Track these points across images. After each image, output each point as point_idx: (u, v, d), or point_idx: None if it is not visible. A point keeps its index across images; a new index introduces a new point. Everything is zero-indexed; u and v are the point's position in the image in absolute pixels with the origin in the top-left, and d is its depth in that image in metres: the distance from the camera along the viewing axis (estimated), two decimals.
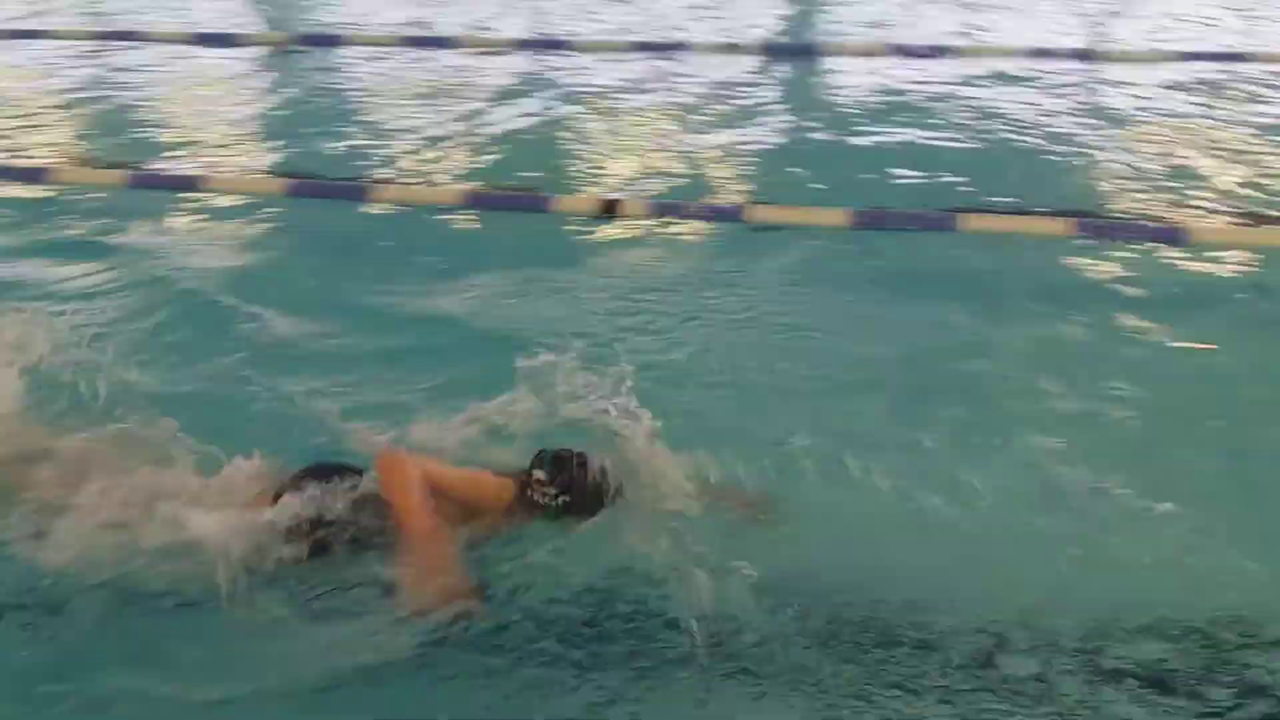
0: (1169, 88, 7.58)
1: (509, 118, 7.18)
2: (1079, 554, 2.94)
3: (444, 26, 9.36)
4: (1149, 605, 2.78)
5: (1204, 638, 2.70)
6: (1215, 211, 5.60)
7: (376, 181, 6.04)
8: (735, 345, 4.21)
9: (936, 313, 4.49)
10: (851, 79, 7.99)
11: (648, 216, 5.53)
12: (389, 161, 6.44)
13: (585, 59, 8.50)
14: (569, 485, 2.90)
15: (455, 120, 7.14)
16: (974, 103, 7.28)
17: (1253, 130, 6.78)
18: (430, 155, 6.53)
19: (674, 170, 6.34)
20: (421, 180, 6.19)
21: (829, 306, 4.55)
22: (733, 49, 8.59)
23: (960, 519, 3.04)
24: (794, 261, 5.01)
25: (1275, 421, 3.70)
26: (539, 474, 2.92)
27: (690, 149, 6.69)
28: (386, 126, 7.10)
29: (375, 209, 5.73)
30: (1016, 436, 3.48)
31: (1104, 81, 7.80)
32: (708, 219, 5.61)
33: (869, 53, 8.41)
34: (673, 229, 5.46)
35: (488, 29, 9.35)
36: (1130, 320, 4.44)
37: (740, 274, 4.89)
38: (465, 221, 5.66)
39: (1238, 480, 3.35)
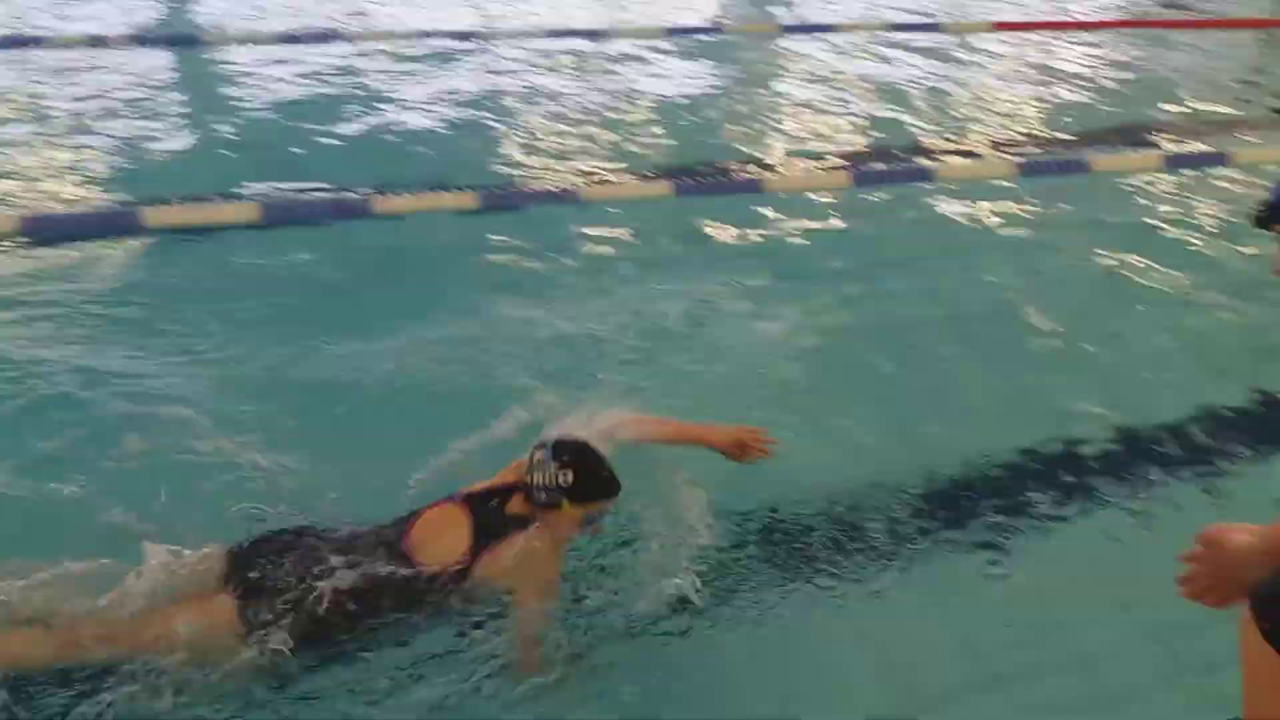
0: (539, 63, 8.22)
1: None
2: None
3: None
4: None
5: None
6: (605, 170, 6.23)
7: None
8: (141, 363, 3.86)
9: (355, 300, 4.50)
10: (242, 68, 7.62)
11: (17, 232, 4.82)
12: None
13: None
14: (576, 466, 2.79)
15: None
16: (369, 86, 7.31)
17: (620, 96, 7.62)
18: None
19: (48, 177, 5.59)
20: None
21: (234, 312, 4.34)
22: (99, 42, 7.75)
23: None
24: (198, 265, 4.72)
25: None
26: (539, 454, 2.80)
27: (69, 152, 5.93)
28: None
29: None
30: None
31: (490, 59, 8.23)
32: (98, 227, 5.01)
33: (253, 40, 8.05)
34: (52, 242, 4.83)
35: None
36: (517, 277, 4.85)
37: (141, 284, 4.50)
38: None
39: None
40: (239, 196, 5.32)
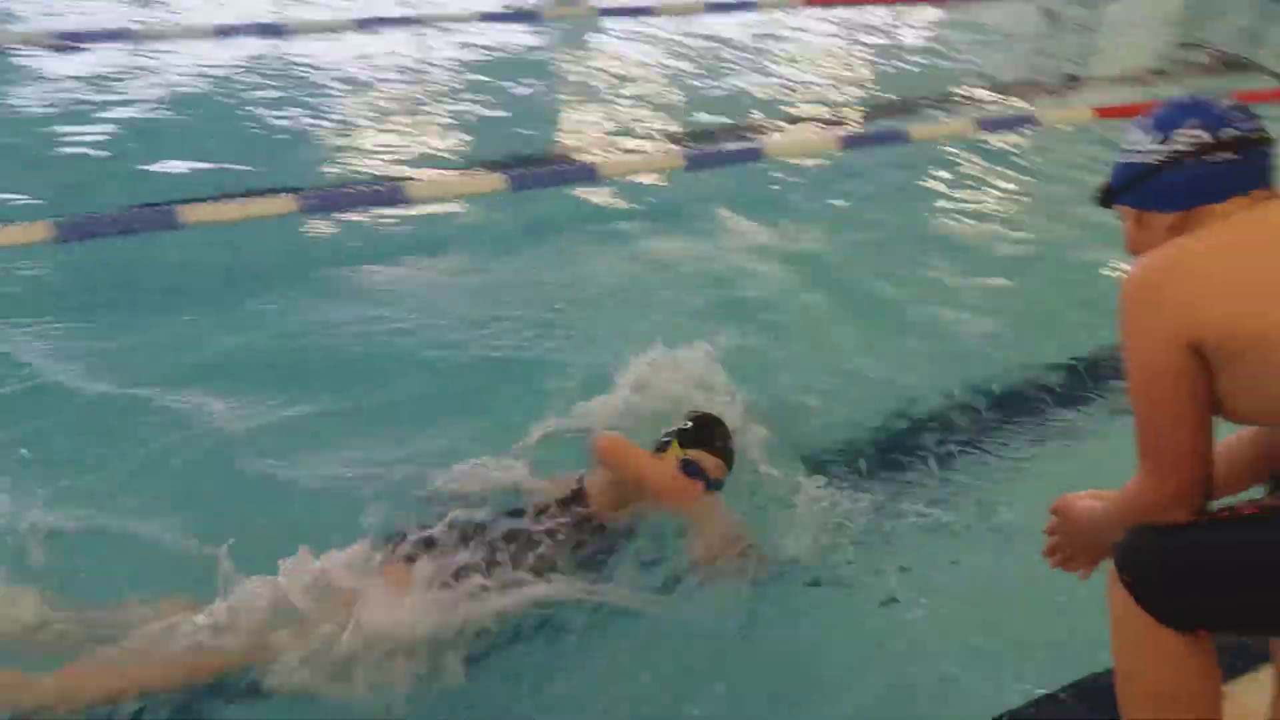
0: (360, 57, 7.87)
1: None
2: None
3: None
4: None
5: None
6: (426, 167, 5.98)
7: None
8: None
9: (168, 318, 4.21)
10: (20, 69, 6.95)
11: None
12: None
13: None
14: (699, 419, 3.08)
15: None
16: (167, 87, 6.80)
17: (438, 86, 7.36)
18: None
19: None
20: None
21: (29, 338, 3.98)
22: None
23: None
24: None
25: None
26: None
27: None
28: None
29: None
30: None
31: (298, 55, 7.81)
32: None
33: (29, 42, 7.36)
34: None
35: None
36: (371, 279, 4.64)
37: None
38: None
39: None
40: (24, 215, 4.83)
